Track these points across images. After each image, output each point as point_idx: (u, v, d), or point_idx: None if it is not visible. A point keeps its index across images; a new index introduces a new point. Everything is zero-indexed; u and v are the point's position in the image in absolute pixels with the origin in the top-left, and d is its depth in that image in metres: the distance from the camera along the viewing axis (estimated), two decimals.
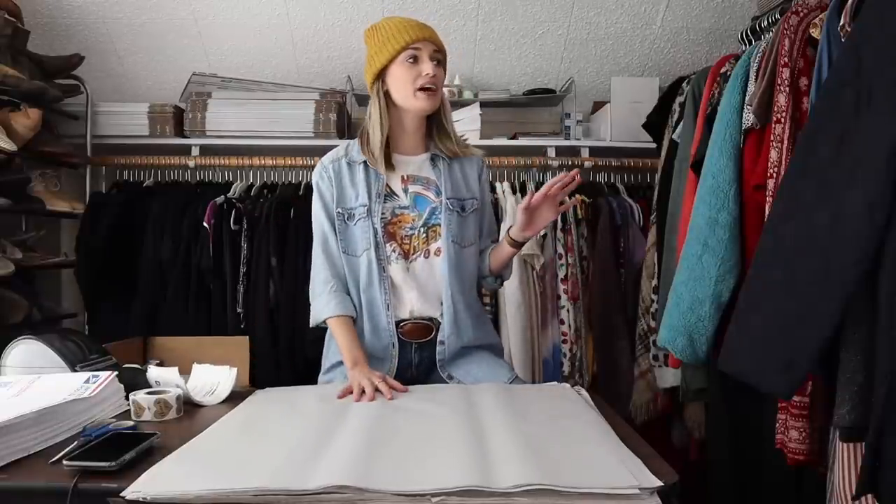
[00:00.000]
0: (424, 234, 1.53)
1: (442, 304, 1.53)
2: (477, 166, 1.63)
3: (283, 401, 1.35)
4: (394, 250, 1.52)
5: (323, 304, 1.51)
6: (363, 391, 1.31)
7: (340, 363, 1.51)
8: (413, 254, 1.53)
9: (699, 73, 1.93)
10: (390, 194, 1.53)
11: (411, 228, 1.53)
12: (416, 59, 1.46)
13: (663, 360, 2.09)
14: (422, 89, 1.47)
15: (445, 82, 2.67)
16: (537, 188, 2.48)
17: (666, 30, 2.73)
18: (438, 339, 1.53)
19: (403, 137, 1.56)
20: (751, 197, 1.51)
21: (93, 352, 1.50)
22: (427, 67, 1.46)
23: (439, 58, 1.50)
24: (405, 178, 1.55)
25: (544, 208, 1.51)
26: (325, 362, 1.61)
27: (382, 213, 1.50)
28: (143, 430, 1.09)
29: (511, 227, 1.56)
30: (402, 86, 1.47)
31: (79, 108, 2.58)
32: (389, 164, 1.52)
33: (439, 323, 1.54)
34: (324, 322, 1.52)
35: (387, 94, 1.50)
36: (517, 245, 1.57)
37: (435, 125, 1.58)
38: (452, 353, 1.53)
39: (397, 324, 1.52)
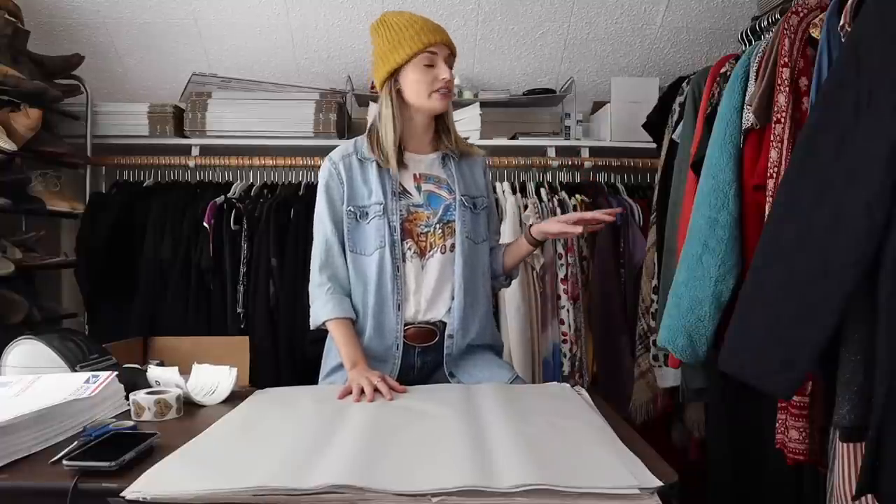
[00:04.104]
0: (441, 231, 1.53)
1: (453, 299, 1.53)
2: (481, 165, 1.66)
3: (283, 401, 1.35)
4: (409, 248, 1.52)
5: (321, 307, 1.51)
6: (363, 392, 1.31)
7: (341, 366, 1.51)
8: (429, 251, 1.53)
9: (699, 73, 1.93)
10: (403, 192, 1.53)
11: (426, 226, 1.53)
12: (432, 63, 1.47)
13: (663, 360, 2.09)
14: (436, 91, 1.48)
15: None
16: (537, 188, 2.52)
17: (666, 30, 2.73)
18: (447, 333, 1.53)
19: (414, 136, 1.56)
20: (751, 197, 1.51)
21: (93, 352, 1.50)
22: (444, 72, 1.47)
23: (451, 63, 1.51)
24: (417, 176, 1.55)
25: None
26: (326, 365, 1.60)
27: (400, 211, 1.50)
28: (143, 430, 1.09)
29: (532, 225, 1.61)
30: (418, 87, 1.47)
31: (79, 108, 2.58)
32: (402, 163, 1.53)
33: (443, 326, 1.54)
34: (323, 325, 1.51)
35: (398, 93, 1.50)
36: (537, 244, 1.62)
37: (441, 124, 1.59)
38: (460, 347, 1.53)
39: (403, 327, 1.51)
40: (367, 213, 1.52)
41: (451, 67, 1.51)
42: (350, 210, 1.52)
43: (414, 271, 1.52)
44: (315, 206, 1.57)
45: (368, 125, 1.59)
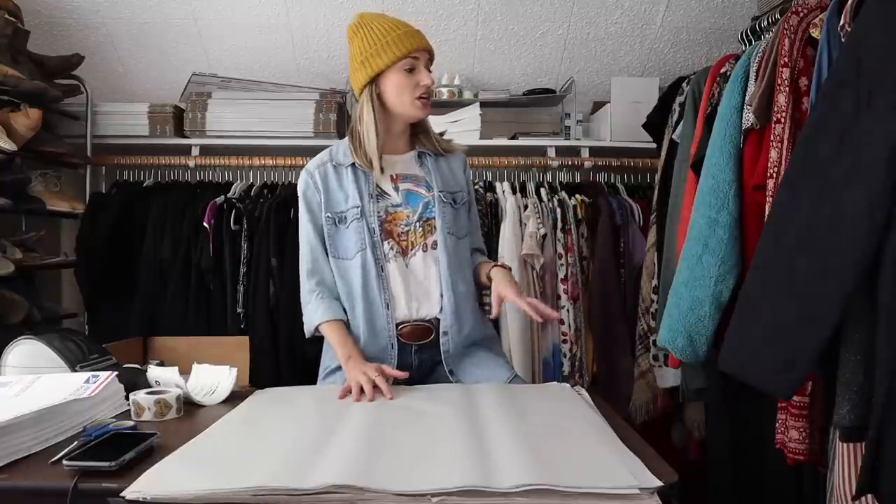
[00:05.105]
0: (421, 229, 1.54)
1: (442, 296, 1.53)
2: (461, 161, 1.66)
3: (283, 401, 1.35)
4: (391, 248, 1.52)
5: (312, 312, 1.53)
6: (362, 391, 1.31)
7: (339, 367, 1.51)
8: (411, 249, 1.53)
9: (699, 73, 1.93)
10: (381, 194, 1.53)
11: (406, 225, 1.53)
12: (413, 68, 1.48)
13: (663, 360, 2.09)
14: (419, 98, 1.49)
15: (445, 82, 2.71)
16: (537, 188, 2.52)
17: (666, 30, 2.73)
18: (441, 330, 1.53)
19: (391, 139, 1.56)
20: (751, 197, 1.51)
21: (93, 352, 1.50)
22: (425, 78, 1.48)
23: (430, 66, 1.52)
24: (394, 176, 1.56)
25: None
26: (324, 367, 1.61)
27: (378, 213, 1.51)
28: (143, 430, 1.09)
29: (494, 268, 1.55)
30: (400, 93, 1.48)
31: (79, 108, 2.58)
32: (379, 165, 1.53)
33: (438, 322, 1.54)
34: (317, 330, 1.52)
35: (379, 98, 1.50)
36: (487, 288, 1.57)
37: (419, 125, 1.59)
38: (456, 344, 1.53)
39: (396, 326, 1.51)
40: (345, 218, 1.52)
41: (430, 71, 1.52)
42: (328, 217, 1.53)
43: (399, 271, 1.52)
44: (299, 217, 1.58)
45: (349, 128, 1.57)
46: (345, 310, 1.54)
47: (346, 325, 1.52)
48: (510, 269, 1.60)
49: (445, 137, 1.66)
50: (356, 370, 1.37)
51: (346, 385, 1.37)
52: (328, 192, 1.54)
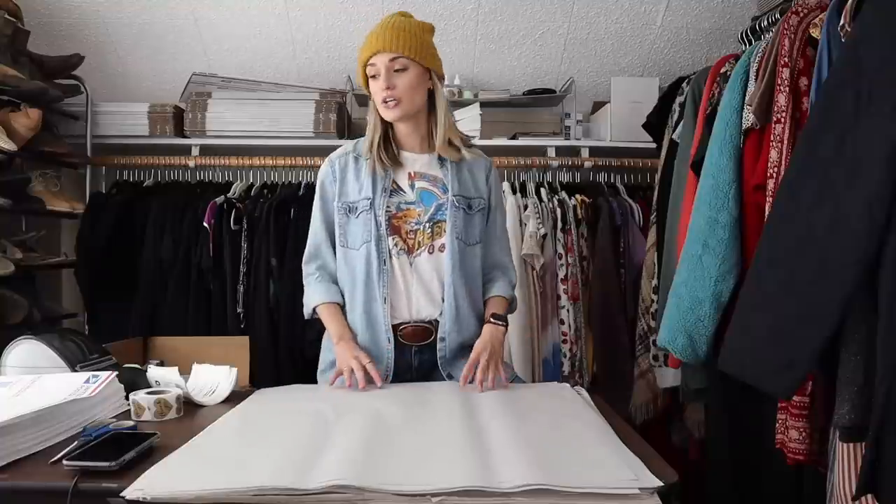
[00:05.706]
0: (430, 230, 1.53)
1: (444, 300, 1.53)
2: (485, 168, 1.63)
3: (283, 401, 1.35)
4: (396, 244, 1.52)
5: (311, 294, 1.57)
6: (354, 378, 1.36)
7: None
8: (417, 249, 1.53)
9: (699, 73, 1.93)
10: (396, 189, 1.54)
11: (416, 223, 1.53)
12: (375, 74, 1.49)
13: (663, 360, 2.09)
14: (382, 102, 1.49)
15: (445, 82, 2.68)
16: (537, 188, 2.52)
17: (666, 30, 2.73)
18: (439, 336, 1.53)
19: (405, 138, 1.57)
20: (751, 197, 1.51)
21: (93, 352, 1.50)
22: (380, 82, 1.47)
23: (402, 64, 1.47)
24: (412, 174, 1.56)
25: None
26: (323, 360, 1.62)
27: (387, 207, 1.51)
28: (143, 430, 1.09)
29: (487, 324, 1.54)
30: (374, 98, 1.52)
31: (79, 108, 2.58)
32: (397, 162, 1.55)
33: (438, 324, 1.53)
34: (314, 312, 1.55)
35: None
36: None
37: (433, 126, 1.57)
38: (453, 350, 1.53)
39: (397, 326, 1.51)
40: (356, 209, 1.54)
41: (404, 70, 1.46)
42: (340, 206, 1.55)
43: (401, 268, 1.52)
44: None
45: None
46: (345, 302, 1.56)
47: (343, 310, 1.55)
48: (505, 324, 1.56)
49: (472, 147, 1.62)
50: (348, 353, 1.41)
51: (337, 369, 1.40)
52: (345, 181, 1.56)
